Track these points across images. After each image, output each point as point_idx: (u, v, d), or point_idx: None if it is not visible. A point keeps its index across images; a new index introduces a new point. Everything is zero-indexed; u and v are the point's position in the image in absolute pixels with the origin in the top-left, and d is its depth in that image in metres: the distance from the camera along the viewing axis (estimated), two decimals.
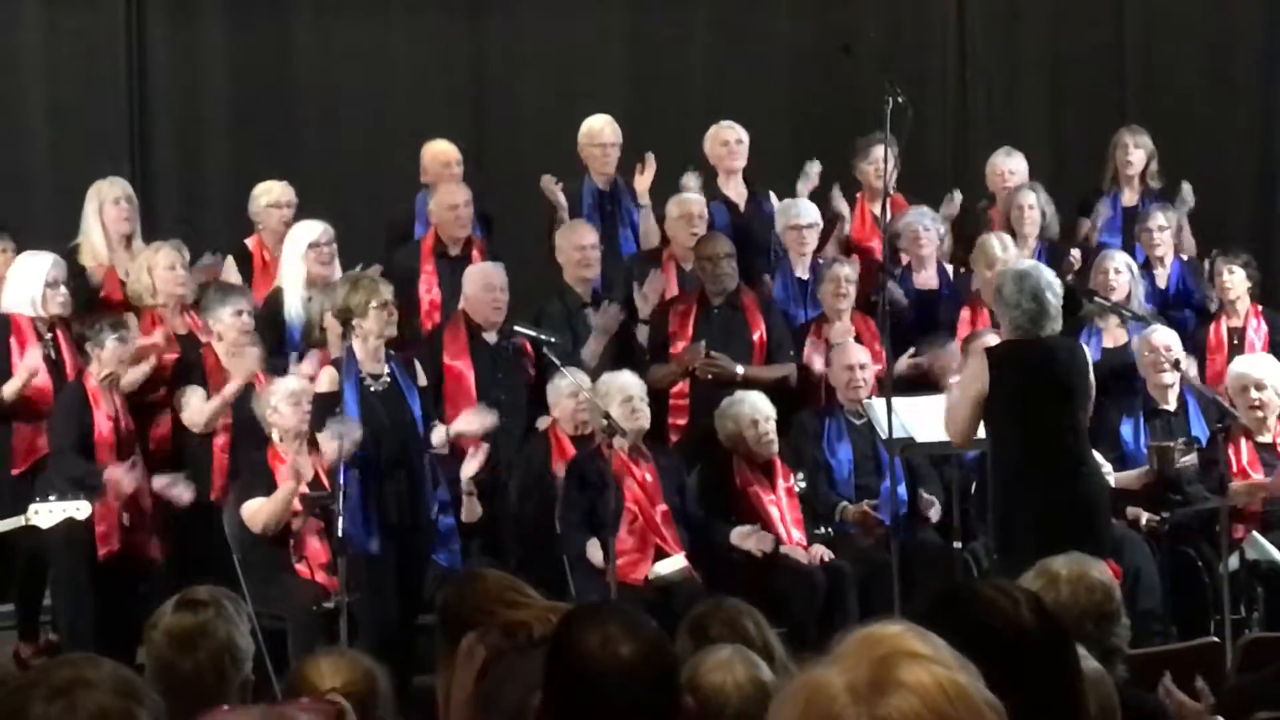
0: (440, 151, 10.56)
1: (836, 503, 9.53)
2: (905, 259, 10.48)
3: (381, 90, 12.20)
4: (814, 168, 10.85)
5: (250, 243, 10.15)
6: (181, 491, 8.85)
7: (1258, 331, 10.28)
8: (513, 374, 9.58)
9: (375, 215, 10.89)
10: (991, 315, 9.31)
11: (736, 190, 10.82)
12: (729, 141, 10.79)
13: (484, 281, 9.62)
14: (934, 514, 9.39)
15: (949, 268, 10.63)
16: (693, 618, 4.63)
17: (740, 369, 9.80)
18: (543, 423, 9.45)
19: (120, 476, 8.65)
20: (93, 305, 9.55)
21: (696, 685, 3.90)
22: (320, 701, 4.00)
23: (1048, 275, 7.99)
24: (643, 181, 10.66)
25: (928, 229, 10.47)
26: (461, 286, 9.75)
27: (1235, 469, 9.29)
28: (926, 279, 10.49)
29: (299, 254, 9.70)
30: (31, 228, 10.21)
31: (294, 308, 9.65)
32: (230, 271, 9.98)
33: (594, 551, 8.83)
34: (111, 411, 8.86)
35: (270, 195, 10.15)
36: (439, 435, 9.03)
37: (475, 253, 10.06)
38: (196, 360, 9.22)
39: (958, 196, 10.96)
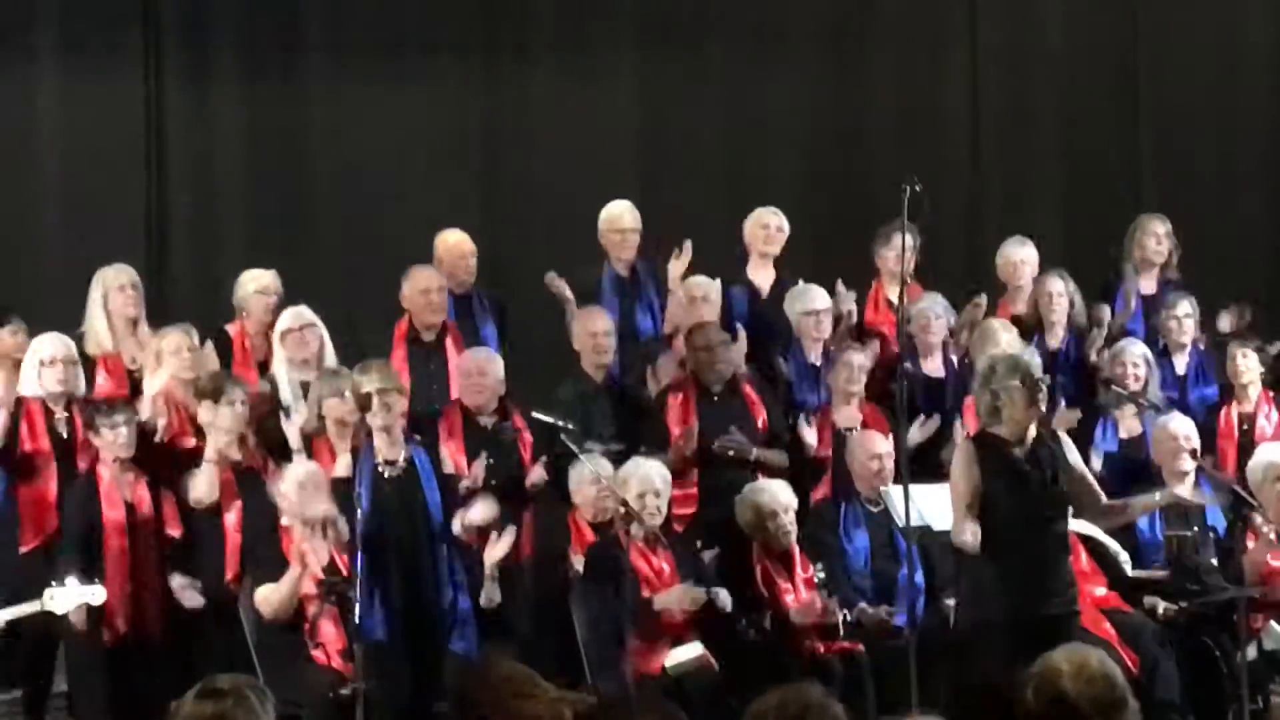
0: (455, 243, 10.50)
1: (855, 599, 9.41)
2: (914, 345, 10.46)
3: (395, 172, 12.25)
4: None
5: (231, 329, 10.06)
6: (192, 597, 8.93)
7: (1269, 418, 10.23)
8: (502, 459, 9.48)
9: (388, 296, 10.87)
10: None
11: (765, 275, 10.80)
12: (769, 226, 10.80)
13: (463, 367, 9.72)
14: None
15: (954, 357, 10.58)
16: (789, 702, 4.45)
17: (755, 451, 9.82)
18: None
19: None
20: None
21: None
22: None
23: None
24: (677, 267, 10.63)
25: (939, 316, 10.47)
26: (434, 373, 9.87)
27: None
28: (934, 367, 10.46)
29: (279, 343, 9.73)
30: (42, 308, 10.21)
31: (286, 396, 9.62)
32: (209, 356, 9.83)
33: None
34: (126, 496, 8.87)
35: (258, 282, 10.06)
36: (458, 525, 8.98)
37: (449, 340, 10.04)
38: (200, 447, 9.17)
39: (983, 300, 10.83)
